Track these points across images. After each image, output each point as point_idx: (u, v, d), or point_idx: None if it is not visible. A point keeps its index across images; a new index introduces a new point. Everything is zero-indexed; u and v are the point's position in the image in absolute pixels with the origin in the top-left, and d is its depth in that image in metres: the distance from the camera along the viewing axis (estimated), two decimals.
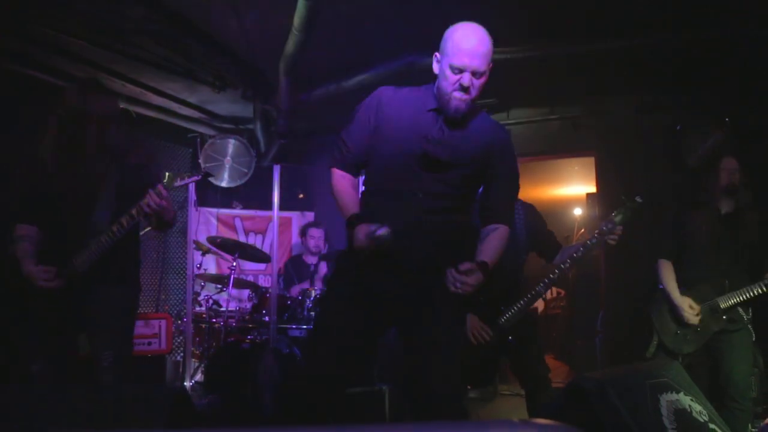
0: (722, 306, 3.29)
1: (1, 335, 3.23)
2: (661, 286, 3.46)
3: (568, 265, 3.05)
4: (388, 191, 2.21)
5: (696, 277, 3.39)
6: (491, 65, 2.17)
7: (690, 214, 3.50)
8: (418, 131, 2.17)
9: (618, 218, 2.93)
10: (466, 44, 2.11)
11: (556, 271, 3.07)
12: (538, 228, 3.37)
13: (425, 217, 2.15)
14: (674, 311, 3.36)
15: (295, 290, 5.07)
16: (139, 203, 2.57)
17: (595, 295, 5.90)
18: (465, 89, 2.10)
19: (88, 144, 2.65)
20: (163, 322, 4.54)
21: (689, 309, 3.30)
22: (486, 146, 2.24)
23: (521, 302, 3.11)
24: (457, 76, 2.10)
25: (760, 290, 3.21)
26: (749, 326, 3.32)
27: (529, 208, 3.41)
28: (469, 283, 2.01)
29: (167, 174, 2.65)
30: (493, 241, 2.22)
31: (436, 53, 2.19)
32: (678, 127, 5.01)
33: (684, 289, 3.39)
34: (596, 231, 2.95)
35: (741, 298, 3.26)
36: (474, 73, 2.10)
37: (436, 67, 2.19)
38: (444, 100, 2.14)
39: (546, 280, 3.11)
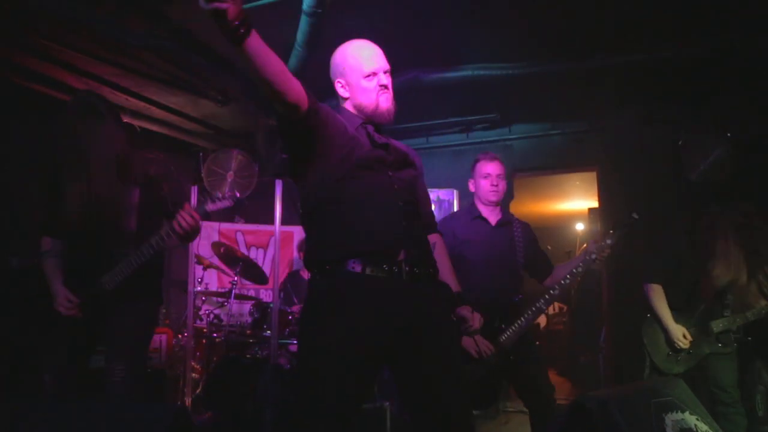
0: (715, 330, 3.33)
1: (18, 343, 3.24)
2: (651, 311, 3.47)
3: (568, 280, 3.06)
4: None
5: (686, 296, 3.44)
6: None
7: (682, 237, 3.52)
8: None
9: (616, 235, 3.00)
10: (366, 51, 2.12)
11: (556, 287, 3.08)
12: (534, 246, 3.41)
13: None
14: (666, 335, 3.39)
15: (296, 308, 5.05)
16: (170, 224, 2.52)
17: (597, 310, 5.88)
18: (385, 87, 2.11)
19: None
20: (164, 337, 4.52)
21: (682, 337, 3.33)
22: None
23: (521, 319, 3.08)
24: (374, 80, 2.10)
25: (752, 317, 3.30)
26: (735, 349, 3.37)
27: (526, 226, 3.43)
28: (477, 327, 2.13)
29: (199, 198, 2.65)
30: (448, 263, 2.28)
31: (338, 80, 2.15)
32: (679, 142, 5.02)
33: (676, 313, 3.41)
34: (595, 246, 3.03)
35: (733, 324, 3.32)
36: (385, 72, 2.12)
37: (344, 92, 2.14)
38: (371, 109, 2.11)
39: (547, 296, 3.11)
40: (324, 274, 1.95)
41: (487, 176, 3.31)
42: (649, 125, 5.24)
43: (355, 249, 1.92)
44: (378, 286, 1.90)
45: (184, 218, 2.48)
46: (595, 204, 6.16)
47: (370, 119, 2.13)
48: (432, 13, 3.86)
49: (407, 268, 1.94)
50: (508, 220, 3.37)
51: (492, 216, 3.34)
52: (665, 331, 3.38)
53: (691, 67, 4.34)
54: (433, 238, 2.27)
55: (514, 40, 4.28)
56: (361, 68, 2.10)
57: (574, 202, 8.75)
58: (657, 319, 3.42)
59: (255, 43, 1.65)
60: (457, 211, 3.61)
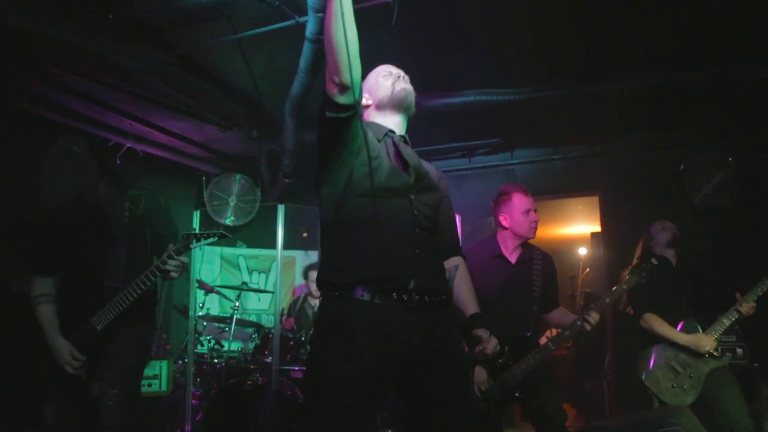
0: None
1: (16, 382, 3.20)
2: (658, 339, 3.46)
3: (578, 324, 3.02)
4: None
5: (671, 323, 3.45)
6: None
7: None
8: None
9: (633, 281, 3.05)
10: (385, 65, 2.26)
11: (568, 332, 3.05)
12: (551, 281, 3.34)
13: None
14: (666, 366, 3.37)
15: (289, 323, 5.06)
16: (158, 265, 2.57)
17: (601, 335, 5.82)
18: (398, 76, 2.19)
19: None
20: (164, 363, 4.48)
21: (705, 340, 3.32)
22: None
23: (529, 358, 3.03)
24: (389, 76, 2.20)
25: (729, 321, 3.34)
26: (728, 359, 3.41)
27: (547, 257, 3.36)
28: (489, 352, 2.09)
29: (182, 235, 2.65)
30: (468, 285, 2.24)
31: (365, 94, 2.20)
32: (682, 167, 5.03)
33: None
34: (609, 292, 3.07)
35: (718, 330, 3.35)
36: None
37: (373, 98, 2.20)
38: (389, 95, 2.16)
39: (557, 337, 3.08)
40: (333, 298, 1.93)
41: (527, 212, 3.19)
42: (650, 150, 5.25)
43: (364, 275, 1.89)
44: (386, 315, 1.87)
45: (172, 264, 2.56)
46: (597, 228, 6.14)
47: (392, 119, 2.16)
48: (433, 39, 3.89)
49: (417, 297, 1.90)
50: (529, 257, 3.28)
51: (513, 254, 3.26)
52: (686, 349, 3.35)
53: (692, 93, 4.36)
54: (456, 260, 2.25)
55: (516, 67, 4.32)
56: (378, 74, 2.21)
57: (576, 227, 8.73)
58: (672, 343, 3.40)
59: (342, 4, 1.74)
60: (476, 245, 3.52)
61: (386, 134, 2.12)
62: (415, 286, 1.91)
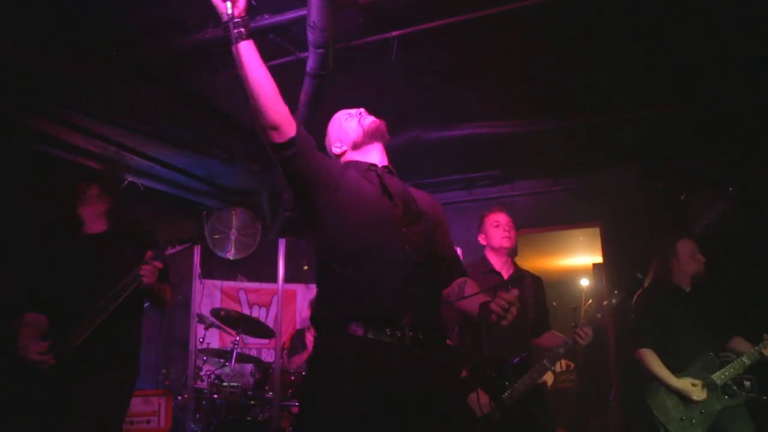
0: (718, 382, 3.25)
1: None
2: (651, 376, 3.38)
3: (572, 341, 3.04)
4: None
5: (683, 357, 3.34)
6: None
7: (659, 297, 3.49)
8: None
9: (620, 295, 3.09)
10: (340, 111, 2.26)
11: (561, 348, 3.06)
12: (542, 303, 3.38)
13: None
14: (677, 397, 3.28)
15: (295, 363, 4.98)
16: (130, 274, 2.59)
17: (605, 368, 5.76)
18: (359, 113, 2.19)
19: None
20: (163, 399, 4.42)
21: (692, 387, 3.24)
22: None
23: (525, 377, 3.04)
24: (354, 117, 2.20)
25: (749, 361, 3.24)
26: (744, 398, 3.31)
27: (538, 281, 3.41)
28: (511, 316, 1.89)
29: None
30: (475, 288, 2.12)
31: (335, 144, 2.23)
32: (683, 196, 5.03)
33: (675, 373, 3.32)
34: (599, 307, 3.11)
35: (735, 370, 3.26)
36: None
37: (337, 148, 2.22)
38: (363, 134, 2.16)
39: (552, 354, 3.07)
40: (326, 334, 1.92)
41: (497, 225, 3.34)
42: (651, 180, 5.27)
43: (356, 312, 1.87)
44: (379, 351, 1.84)
45: (145, 267, 2.59)
46: (599, 259, 6.12)
47: (371, 154, 2.15)
48: (433, 73, 3.94)
49: (411, 333, 1.87)
50: (520, 274, 3.36)
51: (504, 269, 3.33)
52: (674, 392, 3.27)
53: (691, 123, 4.39)
54: (460, 282, 2.17)
55: (515, 99, 4.36)
56: (339, 120, 2.23)
57: (578, 258, 8.71)
58: (662, 384, 3.32)
59: (250, 48, 1.80)
60: (468, 264, 3.55)
61: (368, 168, 2.11)
62: (410, 321, 1.88)
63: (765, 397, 3.37)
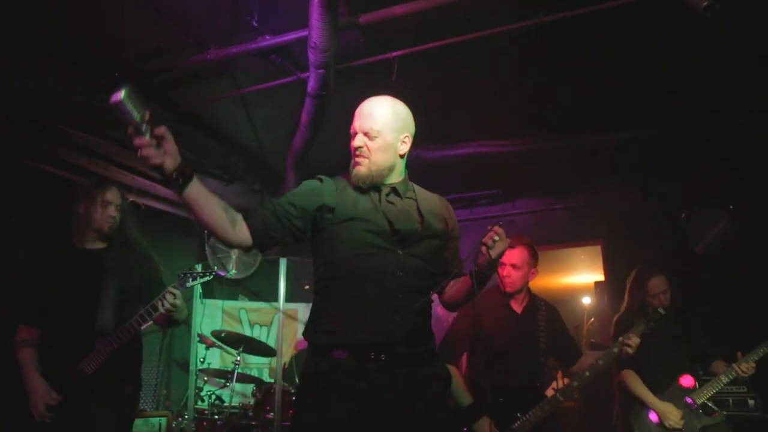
0: (698, 402, 3.29)
1: None
2: (633, 397, 3.42)
3: (587, 375, 3.04)
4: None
5: (660, 378, 3.39)
6: (404, 134, 2.10)
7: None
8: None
9: (640, 329, 3.07)
10: (357, 110, 2.08)
11: (575, 382, 3.05)
12: (560, 331, 3.31)
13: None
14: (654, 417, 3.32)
15: None
16: (152, 304, 2.55)
17: (608, 386, 5.72)
18: (357, 148, 2.02)
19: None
20: (163, 420, 4.39)
21: (672, 415, 3.26)
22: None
23: (537, 410, 2.99)
24: (352, 143, 2.05)
25: (727, 378, 3.29)
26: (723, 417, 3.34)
27: (552, 309, 3.33)
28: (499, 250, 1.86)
29: (178, 274, 2.65)
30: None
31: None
32: (683, 215, 5.02)
33: (659, 395, 3.36)
34: (618, 341, 3.08)
35: (712, 390, 3.30)
36: (366, 134, 2.02)
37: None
38: (353, 176, 2.05)
39: (565, 389, 3.05)
40: (313, 354, 1.95)
41: (501, 265, 3.10)
42: (652, 199, 5.27)
43: (340, 340, 1.88)
44: (364, 375, 1.85)
45: (167, 301, 2.53)
46: (601, 277, 6.10)
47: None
48: (433, 92, 3.96)
49: (396, 356, 1.88)
50: (535, 307, 3.26)
51: (518, 303, 3.25)
52: (655, 413, 3.31)
53: (692, 142, 4.40)
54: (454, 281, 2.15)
55: (515, 118, 4.37)
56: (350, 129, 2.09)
57: (579, 276, 8.67)
58: (642, 404, 3.36)
59: (194, 192, 1.76)
60: (483, 296, 3.49)
61: (371, 190, 2.05)
62: (394, 348, 1.88)
63: None
